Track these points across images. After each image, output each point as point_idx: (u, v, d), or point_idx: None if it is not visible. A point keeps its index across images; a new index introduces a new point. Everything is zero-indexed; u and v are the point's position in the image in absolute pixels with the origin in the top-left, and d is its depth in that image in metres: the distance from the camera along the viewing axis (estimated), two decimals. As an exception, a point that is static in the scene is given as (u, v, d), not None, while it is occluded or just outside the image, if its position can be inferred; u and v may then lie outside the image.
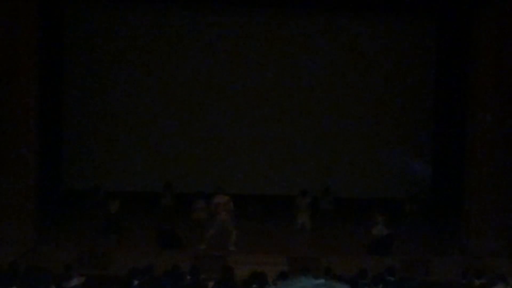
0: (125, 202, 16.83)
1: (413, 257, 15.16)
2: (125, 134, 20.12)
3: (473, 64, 15.74)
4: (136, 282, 11.14)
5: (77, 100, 19.97)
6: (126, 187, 19.54)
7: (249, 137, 20.30)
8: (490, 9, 15.16)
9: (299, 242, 16.66)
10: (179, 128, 20.22)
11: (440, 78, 20.00)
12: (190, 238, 16.02)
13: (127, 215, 16.96)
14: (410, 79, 20.24)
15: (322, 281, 3.37)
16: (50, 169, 19.23)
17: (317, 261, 14.51)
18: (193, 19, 20.03)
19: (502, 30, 15.00)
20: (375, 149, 20.29)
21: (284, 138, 20.29)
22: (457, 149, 18.07)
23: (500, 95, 15.28)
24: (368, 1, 17.96)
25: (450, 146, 19.43)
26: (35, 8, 15.03)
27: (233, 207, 15.66)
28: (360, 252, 15.42)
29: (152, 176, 19.94)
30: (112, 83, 20.04)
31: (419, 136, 20.32)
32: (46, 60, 17.46)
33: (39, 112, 15.53)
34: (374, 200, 19.19)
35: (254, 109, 20.28)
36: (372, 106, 20.28)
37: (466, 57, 16.66)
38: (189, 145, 20.22)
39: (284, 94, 20.25)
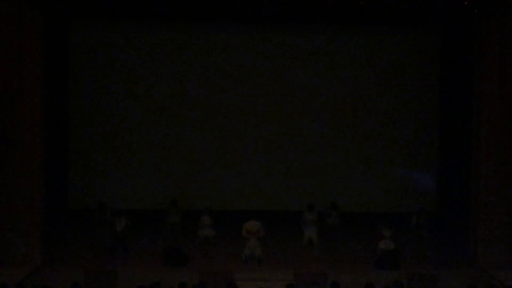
0: (131, 220, 16.84)
1: (420, 271, 15.08)
2: (131, 152, 20.17)
3: (478, 76, 15.73)
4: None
5: (83, 118, 20.04)
6: (132, 205, 19.55)
7: (255, 153, 20.31)
8: (493, 19, 15.16)
9: (306, 257, 16.61)
10: (184, 145, 20.25)
11: (445, 90, 19.99)
12: (196, 255, 16.01)
13: (133, 233, 16.96)
14: (415, 92, 20.23)
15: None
16: (57, 188, 19.28)
17: (324, 276, 14.46)
18: (199, 36, 20.11)
19: (505, 41, 14.98)
20: (380, 164, 20.27)
21: (290, 154, 20.28)
22: (463, 161, 18.04)
23: (506, 106, 15.25)
24: (372, 13, 17.97)
25: (455, 159, 19.40)
26: (40, 24, 15.10)
27: (264, 233, 15.86)
28: (367, 266, 15.36)
29: (158, 194, 19.97)
30: (118, 101, 20.10)
31: (424, 150, 20.28)
32: (51, 78, 17.55)
33: (45, 130, 15.59)
34: (381, 215, 19.15)
35: (260, 124, 20.30)
36: (377, 120, 20.26)
37: (470, 69, 16.65)
38: (194, 162, 20.25)
39: (289, 110, 20.26)
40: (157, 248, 16.20)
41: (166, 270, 14.85)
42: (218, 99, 20.23)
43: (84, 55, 20.01)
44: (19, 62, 14.75)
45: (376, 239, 16.00)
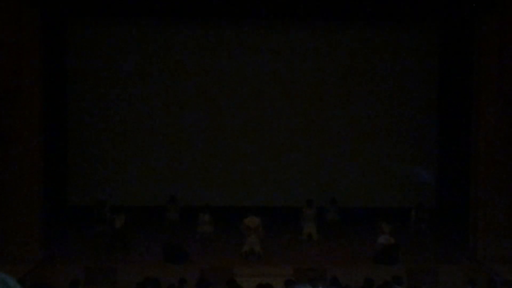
0: (131, 217, 16.85)
1: (420, 266, 15.11)
2: (130, 149, 20.16)
3: (476, 73, 15.72)
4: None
5: (81, 115, 20.03)
6: (131, 202, 19.55)
7: (254, 148, 20.30)
8: (493, 15, 15.15)
9: (305, 253, 16.63)
10: (183, 142, 20.25)
11: (444, 86, 19.99)
12: (196, 251, 16.02)
13: (132, 229, 16.97)
14: (414, 88, 20.23)
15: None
16: (56, 186, 19.28)
17: (323, 271, 14.47)
18: (197, 33, 20.08)
19: (505, 37, 14.97)
20: (380, 159, 20.28)
21: (290, 149, 20.28)
22: (463, 156, 18.04)
23: (505, 103, 15.25)
24: (371, 10, 17.98)
25: (455, 154, 19.39)
26: (39, 23, 15.09)
27: (263, 233, 15.96)
28: (366, 261, 15.37)
29: (157, 190, 19.96)
30: (117, 99, 20.08)
31: (424, 144, 20.29)
32: (50, 76, 17.54)
33: (43, 128, 15.59)
34: (380, 210, 19.16)
35: (259, 120, 20.29)
36: (377, 115, 20.26)
37: (469, 65, 16.65)
38: (193, 158, 20.24)
39: (289, 105, 20.26)
40: (156, 245, 16.19)
41: (166, 266, 14.86)
42: (217, 97, 20.21)
43: (83, 54, 19.98)
44: (18, 61, 14.74)
45: (376, 234, 16.00)
